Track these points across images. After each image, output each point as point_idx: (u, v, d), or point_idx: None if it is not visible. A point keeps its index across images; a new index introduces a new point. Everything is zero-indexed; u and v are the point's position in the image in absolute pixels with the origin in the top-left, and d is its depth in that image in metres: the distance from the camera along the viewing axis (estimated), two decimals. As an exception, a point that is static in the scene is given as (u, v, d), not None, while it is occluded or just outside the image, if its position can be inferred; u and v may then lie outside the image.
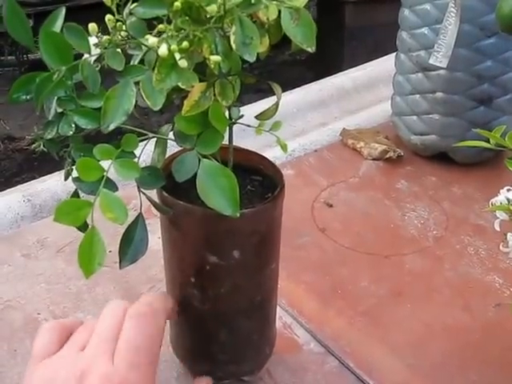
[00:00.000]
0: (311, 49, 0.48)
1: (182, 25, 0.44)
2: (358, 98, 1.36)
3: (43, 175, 1.07)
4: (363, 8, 2.74)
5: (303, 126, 1.25)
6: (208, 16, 0.46)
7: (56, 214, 0.44)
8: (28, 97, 0.48)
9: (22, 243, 0.90)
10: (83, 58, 0.48)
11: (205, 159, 0.48)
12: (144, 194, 0.51)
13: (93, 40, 0.48)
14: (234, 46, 0.45)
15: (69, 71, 0.48)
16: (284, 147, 0.57)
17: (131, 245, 0.50)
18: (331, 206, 0.96)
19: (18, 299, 0.81)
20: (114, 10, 0.49)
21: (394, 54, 1.57)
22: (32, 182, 1.08)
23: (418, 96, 1.02)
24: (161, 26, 0.45)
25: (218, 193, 0.47)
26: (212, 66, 0.46)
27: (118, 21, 0.49)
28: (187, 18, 0.45)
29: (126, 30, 0.49)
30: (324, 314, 0.78)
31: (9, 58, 3.39)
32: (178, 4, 0.43)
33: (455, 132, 1.01)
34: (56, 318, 0.78)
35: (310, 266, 0.85)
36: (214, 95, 0.49)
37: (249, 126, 0.56)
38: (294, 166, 1.06)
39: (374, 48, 2.59)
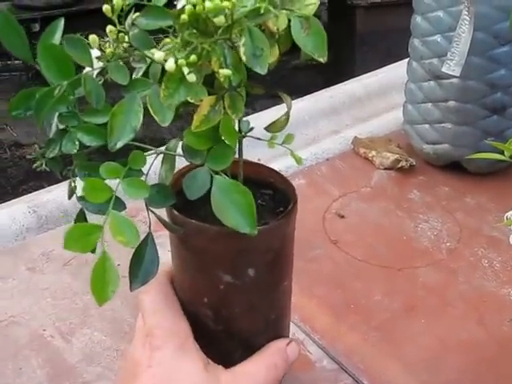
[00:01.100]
0: (323, 59, 0.46)
1: (189, 37, 0.42)
2: (369, 106, 1.34)
3: (51, 184, 1.05)
4: (374, 13, 2.72)
5: (314, 134, 1.23)
6: (215, 28, 0.44)
7: (66, 241, 0.42)
8: (28, 113, 0.46)
9: (27, 256, 0.89)
10: (85, 71, 0.46)
11: (217, 175, 0.46)
12: (153, 212, 0.49)
13: (95, 53, 0.46)
14: (244, 58, 0.43)
15: (70, 86, 0.45)
16: (299, 160, 0.55)
17: (141, 266, 0.48)
18: (343, 217, 0.95)
19: (23, 315, 0.79)
20: (116, 20, 0.47)
21: (407, 60, 1.57)
22: (37, 192, 1.06)
23: (430, 104, 1.00)
24: (167, 40, 0.43)
25: (235, 210, 0.45)
26: (221, 79, 0.44)
27: (120, 32, 0.47)
28: (194, 30, 0.43)
29: (128, 42, 0.48)
30: (337, 330, 0.76)
31: (16, 62, 3.38)
32: (184, 17, 0.41)
33: (468, 141, 0.99)
34: (62, 334, 0.76)
35: (322, 279, 0.83)
36: (224, 108, 0.47)
37: (259, 139, 0.55)
38: (305, 175, 1.04)
39: (386, 53, 2.57)
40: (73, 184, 0.50)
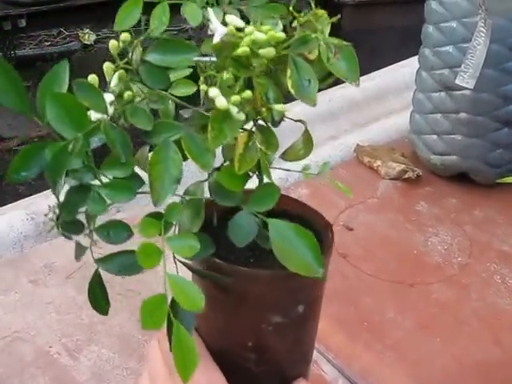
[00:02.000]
0: (356, 84, 0.44)
1: (236, 72, 0.40)
2: (367, 110, 1.32)
3: (34, 178, 1.02)
4: (361, 11, 2.71)
5: (315, 139, 1.21)
6: (259, 60, 0.41)
7: (144, 321, 0.38)
8: (31, 173, 0.39)
9: (29, 268, 0.86)
10: (99, 119, 0.40)
11: (273, 219, 0.42)
12: (186, 264, 0.45)
13: (108, 97, 0.41)
14: (292, 90, 0.41)
15: (86, 137, 0.40)
16: (348, 192, 0.52)
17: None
18: (351, 229, 0.93)
19: (28, 330, 0.77)
20: (116, 57, 0.42)
21: (401, 62, 1.55)
22: (35, 196, 1.03)
23: (439, 115, 0.99)
24: (212, 73, 0.40)
25: (301, 255, 0.42)
26: (265, 114, 0.42)
27: (126, 70, 0.42)
28: (237, 64, 0.40)
29: (137, 80, 0.42)
30: (351, 348, 0.75)
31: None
32: (245, 49, 0.38)
33: (477, 153, 0.98)
34: (69, 351, 0.74)
35: (333, 295, 0.81)
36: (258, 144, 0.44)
37: (289, 170, 0.51)
38: (308, 184, 1.02)
39: (372, 52, 2.56)
40: (90, 242, 0.43)
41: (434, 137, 1.01)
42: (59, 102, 0.39)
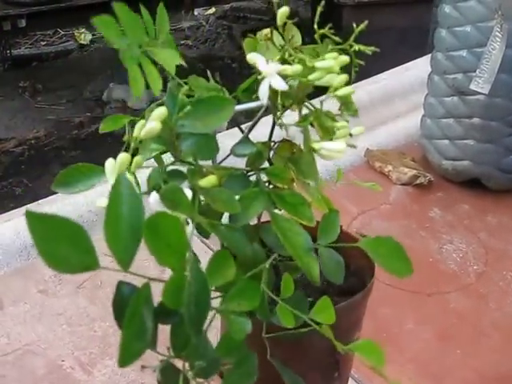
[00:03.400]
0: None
1: None
2: (374, 114, 1.31)
3: (31, 180, 1.01)
4: (361, 12, 2.69)
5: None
6: None
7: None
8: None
9: (38, 277, 0.84)
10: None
11: None
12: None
13: (154, 197, 0.37)
14: None
15: None
16: (377, 187, 0.52)
17: None
18: (365, 236, 0.91)
19: (39, 343, 0.75)
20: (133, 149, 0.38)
21: (406, 65, 1.54)
22: (39, 202, 1.02)
23: (452, 120, 0.97)
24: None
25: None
26: None
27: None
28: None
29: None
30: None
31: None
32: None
33: (490, 158, 0.97)
34: (82, 365, 0.72)
35: (350, 306, 0.80)
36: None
37: None
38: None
39: (372, 53, 2.54)
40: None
41: (446, 142, 1.00)
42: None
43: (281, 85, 0.39)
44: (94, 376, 0.71)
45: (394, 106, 1.35)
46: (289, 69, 0.40)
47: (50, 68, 3.38)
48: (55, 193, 1.12)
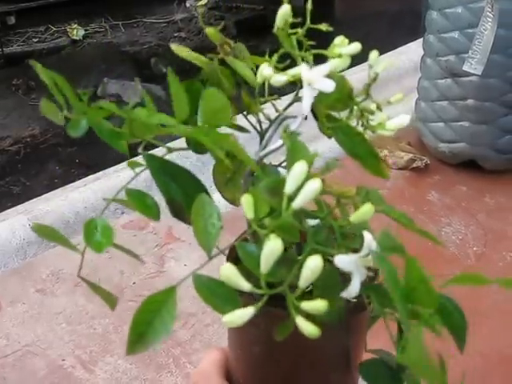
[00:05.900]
0: None
1: None
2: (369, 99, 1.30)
3: (28, 178, 1.00)
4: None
5: (312, 131, 1.19)
6: None
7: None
8: None
9: (35, 277, 0.84)
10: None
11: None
12: None
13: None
14: None
15: None
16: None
17: None
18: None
19: (38, 343, 0.74)
20: None
21: (399, 49, 1.53)
22: (34, 201, 1.01)
23: (446, 102, 0.97)
24: None
25: None
26: None
27: None
28: None
29: None
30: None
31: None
32: None
33: (485, 139, 0.96)
34: (83, 364, 0.72)
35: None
36: None
37: None
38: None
39: (364, 38, 2.53)
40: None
41: (441, 124, 0.99)
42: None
43: (330, 85, 0.36)
44: (96, 374, 0.71)
45: (388, 91, 1.34)
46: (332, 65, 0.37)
47: (42, 65, 3.36)
48: (53, 190, 1.12)
